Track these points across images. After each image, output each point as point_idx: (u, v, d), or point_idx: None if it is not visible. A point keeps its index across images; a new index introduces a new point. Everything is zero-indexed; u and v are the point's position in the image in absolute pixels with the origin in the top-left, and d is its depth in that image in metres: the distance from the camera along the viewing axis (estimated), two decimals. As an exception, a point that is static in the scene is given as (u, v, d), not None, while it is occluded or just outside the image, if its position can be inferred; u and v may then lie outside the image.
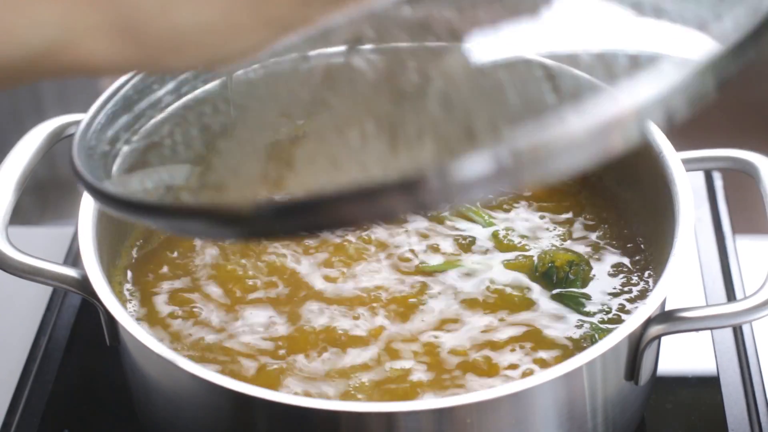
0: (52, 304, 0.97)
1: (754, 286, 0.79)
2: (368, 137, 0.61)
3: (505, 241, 0.89)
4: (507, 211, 0.92)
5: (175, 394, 0.78)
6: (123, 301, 0.85)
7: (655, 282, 0.81)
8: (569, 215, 0.92)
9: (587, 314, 0.84)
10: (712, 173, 1.05)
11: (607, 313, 0.84)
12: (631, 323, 0.76)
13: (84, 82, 1.63)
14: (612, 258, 0.88)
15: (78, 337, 0.94)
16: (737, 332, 0.93)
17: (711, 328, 0.90)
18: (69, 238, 1.02)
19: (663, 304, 0.79)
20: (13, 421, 0.88)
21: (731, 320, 0.78)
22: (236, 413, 0.75)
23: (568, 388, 0.75)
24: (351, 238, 0.89)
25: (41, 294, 0.98)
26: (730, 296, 0.95)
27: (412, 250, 0.88)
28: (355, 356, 0.81)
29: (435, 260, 0.88)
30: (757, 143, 1.26)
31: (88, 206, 0.83)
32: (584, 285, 0.86)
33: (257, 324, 0.84)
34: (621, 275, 0.87)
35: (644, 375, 0.79)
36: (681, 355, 0.92)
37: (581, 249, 0.89)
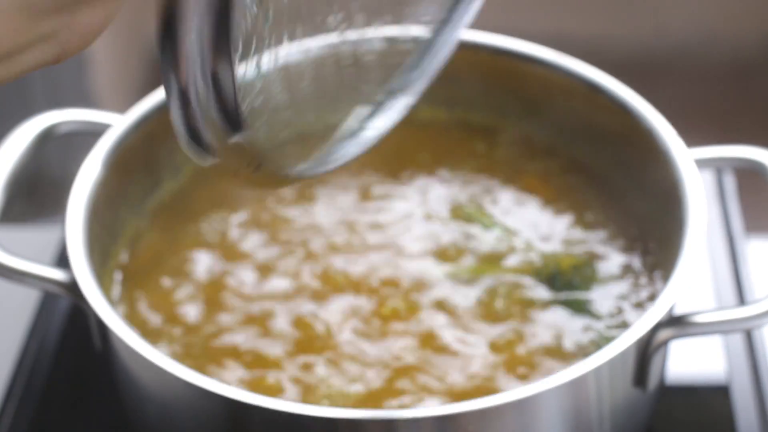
0: (41, 308, 0.96)
1: (766, 290, 0.79)
2: None
3: (508, 243, 0.88)
4: (511, 209, 0.91)
5: (168, 401, 0.77)
6: (113, 305, 0.83)
7: (664, 285, 0.80)
8: (575, 214, 0.91)
9: (593, 319, 0.83)
10: (723, 172, 1.05)
11: (614, 317, 0.84)
12: (639, 328, 0.76)
13: (75, 77, 1.63)
14: (619, 260, 0.88)
15: (69, 342, 0.94)
16: (749, 337, 0.92)
17: (722, 333, 0.89)
18: (58, 239, 1.01)
19: (672, 308, 0.78)
20: (1, 429, 0.88)
21: (743, 325, 0.78)
22: (230, 420, 0.75)
23: (574, 395, 0.75)
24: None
25: (31, 297, 0.97)
26: (742, 300, 0.95)
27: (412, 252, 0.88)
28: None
29: (435, 263, 0.87)
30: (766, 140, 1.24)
31: (77, 206, 0.83)
32: (589, 288, 0.85)
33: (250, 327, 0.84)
34: (628, 278, 0.86)
35: (652, 381, 0.79)
36: (691, 361, 0.92)
37: (587, 250, 0.88)
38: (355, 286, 0.86)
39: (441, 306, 0.84)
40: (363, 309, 0.84)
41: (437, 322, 0.83)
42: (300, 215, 0.91)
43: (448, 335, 0.82)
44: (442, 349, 0.82)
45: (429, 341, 0.82)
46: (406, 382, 0.80)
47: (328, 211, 0.92)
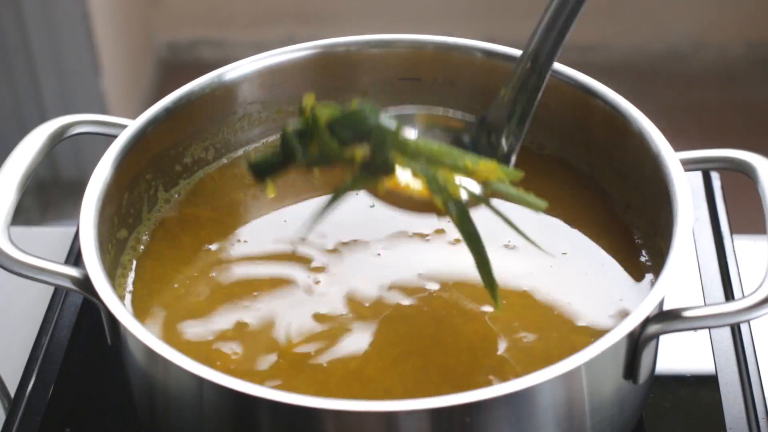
0: (53, 304, 0.97)
1: (752, 286, 0.79)
2: None
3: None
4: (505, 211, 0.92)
5: (177, 394, 0.78)
6: (124, 301, 0.85)
7: (654, 281, 0.81)
8: (567, 215, 0.91)
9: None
10: (710, 173, 1.05)
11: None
12: (630, 322, 0.76)
13: (86, 83, 1.63)
14: (610, 257, 0.88)
15: (79, 336, 0.94)
16: (735, 331, 0.93)
17: (709, 327, 0.89)
18: (70, 238, 1.02)
19: (661, 303, 0.79)
20: (14, 421, 0.89)
21: (729, 319, 0.78)
22: (237, 412, 0.75)
23: (566, 387, 0.76)
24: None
25: (43, 294, 0.98)
26: (728, 295, 0.96)
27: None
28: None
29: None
30: (755, 143, 1.26)
31: (89, 206, 0.83)
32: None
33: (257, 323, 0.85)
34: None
35: (643, 374, 0.80)
36: (679, 355, 0.92)
37: (578, 248, 0.89)
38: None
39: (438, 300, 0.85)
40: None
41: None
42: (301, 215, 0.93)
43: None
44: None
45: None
46: None
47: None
